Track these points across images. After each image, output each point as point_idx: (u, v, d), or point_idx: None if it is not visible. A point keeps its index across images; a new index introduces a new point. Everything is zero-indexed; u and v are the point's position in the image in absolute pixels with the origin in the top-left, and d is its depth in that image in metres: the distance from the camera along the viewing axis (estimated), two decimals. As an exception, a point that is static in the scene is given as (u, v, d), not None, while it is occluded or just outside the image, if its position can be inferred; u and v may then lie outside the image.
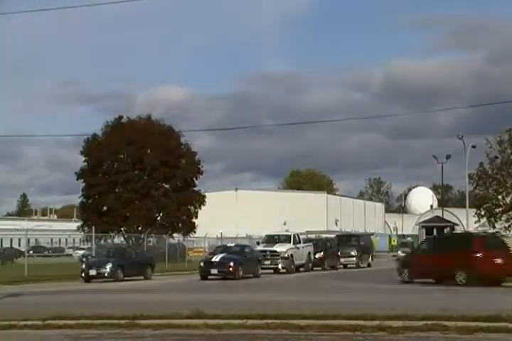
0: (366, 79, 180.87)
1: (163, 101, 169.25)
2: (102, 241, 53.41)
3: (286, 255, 37.73)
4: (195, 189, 55.96)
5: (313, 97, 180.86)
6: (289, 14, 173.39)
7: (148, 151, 53.72)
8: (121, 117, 55.53)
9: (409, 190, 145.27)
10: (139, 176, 53.67)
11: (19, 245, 75.11)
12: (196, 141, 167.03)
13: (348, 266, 46.07)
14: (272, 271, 37.37)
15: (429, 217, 66.37)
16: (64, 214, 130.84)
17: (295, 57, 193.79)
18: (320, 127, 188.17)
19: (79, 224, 55.58)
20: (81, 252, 65.63)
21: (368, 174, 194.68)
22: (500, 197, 45.66)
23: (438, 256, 26.74)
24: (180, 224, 54.45)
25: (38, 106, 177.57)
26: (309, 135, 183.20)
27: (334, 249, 45.36)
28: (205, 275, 32.66)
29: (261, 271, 35.41)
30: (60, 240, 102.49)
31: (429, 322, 12.35)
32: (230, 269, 32.40)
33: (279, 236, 41.04)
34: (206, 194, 57.76)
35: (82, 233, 54.70)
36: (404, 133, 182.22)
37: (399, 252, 55.70)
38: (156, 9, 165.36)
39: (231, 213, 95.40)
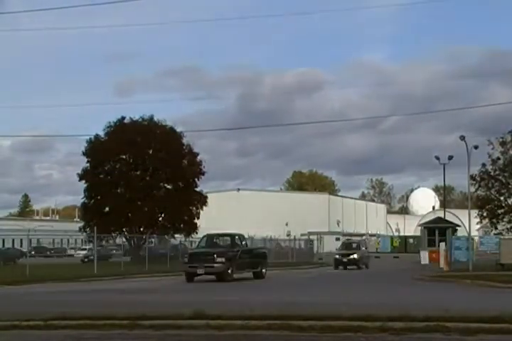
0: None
1: (284, 88, 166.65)
2: (104, 242, 53.49)
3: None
4: (197, 189, 56.03)
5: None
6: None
7: (150, 152, 53.81)
8: (123, 118, 55.60)
9: (411, 191, 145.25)
10: (140, 177, 53.74)
11: (21, 245, 75.33)
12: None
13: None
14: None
15: (431, 218, 66.23)
16: (66, 214, 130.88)
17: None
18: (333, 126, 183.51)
19: (81, 224, 55.63)
20: (83, 253, 65.77)
21: (370, 175, 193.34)
22: (502, 198, 45.59)
23: None
24: (182, 225, 54.49)
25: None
26: (311, 135, 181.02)
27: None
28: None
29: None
30: (61, 241, 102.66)
31: (431, 324, 12.31)
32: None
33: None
34: (208, 195, 57.84)
35: (84, 234, 54.72)
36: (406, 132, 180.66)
37: None
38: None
39: (233, 213, 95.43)
